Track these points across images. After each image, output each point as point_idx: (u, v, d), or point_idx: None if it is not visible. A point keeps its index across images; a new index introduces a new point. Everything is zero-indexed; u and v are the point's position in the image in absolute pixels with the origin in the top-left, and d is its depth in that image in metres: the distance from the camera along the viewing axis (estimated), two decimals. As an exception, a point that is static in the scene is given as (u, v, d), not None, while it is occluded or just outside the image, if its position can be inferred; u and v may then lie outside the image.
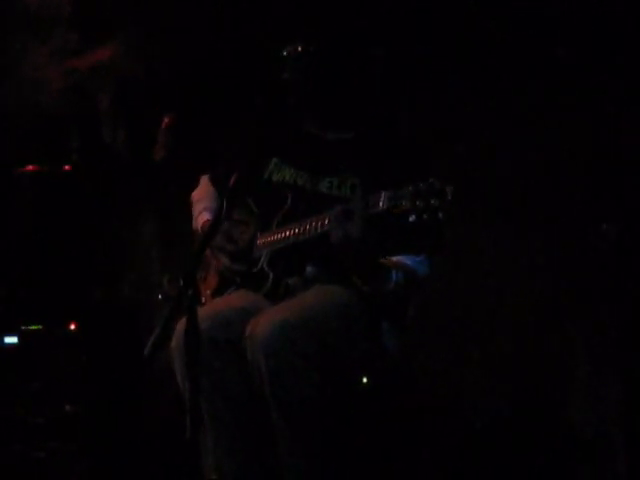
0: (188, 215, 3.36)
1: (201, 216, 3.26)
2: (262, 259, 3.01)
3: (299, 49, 2.95)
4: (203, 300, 3.11)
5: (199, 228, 3.25)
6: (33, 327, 4.21)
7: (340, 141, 3.07)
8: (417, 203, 2.51)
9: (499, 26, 3.96)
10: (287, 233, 2.92)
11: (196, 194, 3.37)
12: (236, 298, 2.99)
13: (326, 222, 2.77)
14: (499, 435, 3.83)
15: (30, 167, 4.47)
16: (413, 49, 4.09)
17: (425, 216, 2.51)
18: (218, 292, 3.11)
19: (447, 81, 4.05)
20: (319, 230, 2.80)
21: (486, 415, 3.88)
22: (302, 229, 2.86)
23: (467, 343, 4.03)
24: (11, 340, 4.19)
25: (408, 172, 2.79)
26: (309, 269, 2.96)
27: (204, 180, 3.38)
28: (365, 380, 2.93)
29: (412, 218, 2.53)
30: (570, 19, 3.81)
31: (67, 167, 4.53)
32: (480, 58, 3.99)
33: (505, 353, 3.95)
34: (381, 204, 2.60)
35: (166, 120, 4.51)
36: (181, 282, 2.33)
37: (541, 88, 3.91)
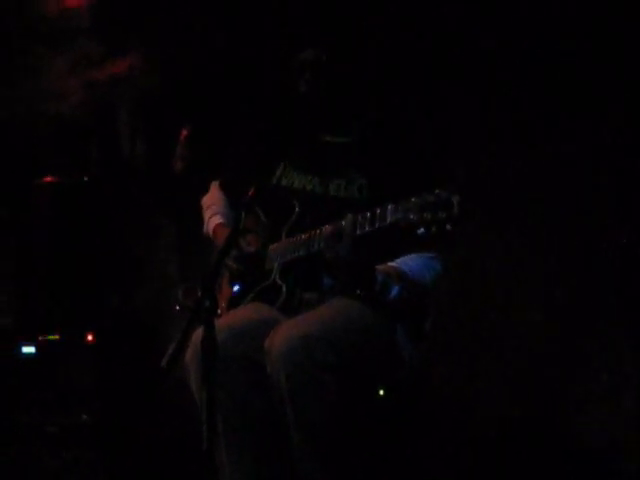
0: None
1: (212, 220, 3.28)
2: (274, 271, 3.01)
3: (315, 55, 2.96)
4: (219, 312, 3.12)
5: (210, 232, 3.26)
6: (50, 337, 4.23)
7: (348, 143, 3.05)
8: (424, 215, 2.49)
9: (505, 33, 3.97)
10: (296, 244, 2.92)
11: (206, 199, 3.38)
12: (252, 310, 2.99)
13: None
14: (513, 446, 3.83)
15: (49, 178, 4.49)
16: (422, 59, 4.10)
17: (434, 228, 2.50)
18: (233, 303, 3.11)
19: (456, 90, 4.05)
20: (320, 245, 2.81)
21: (499, 426, 3.87)
22: (309, 240, 2.87)
23: (482, 355, 4.03)
24: (29, 350, 4.21)
25: (415, 178, 2.81)
26: (326, 281, 2.96)
27: (214, 186, 3.40)
28: (382, 392, 2.93)
29: (420, 231, 2.52)
30: (570, 19, 3.81)
31: (86, 178, 4.56)
32: (488, 66, 3.99)
33: (519, 364, 3.95)
34: (388, 218, 2.59)
35: (184, 132, 4.53)
36: (199, 293, 2.34)
37: (549, 95, 3.91)
